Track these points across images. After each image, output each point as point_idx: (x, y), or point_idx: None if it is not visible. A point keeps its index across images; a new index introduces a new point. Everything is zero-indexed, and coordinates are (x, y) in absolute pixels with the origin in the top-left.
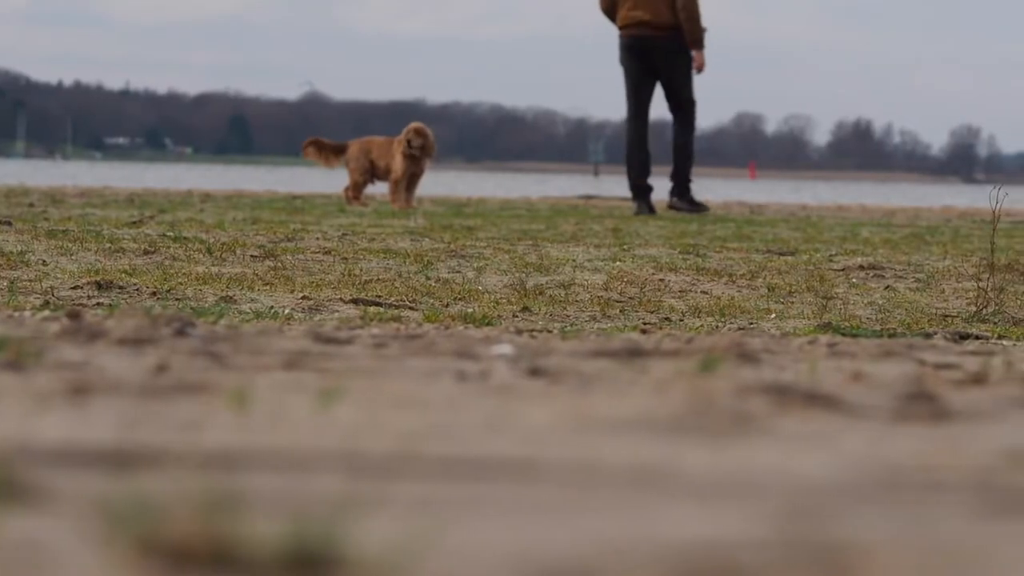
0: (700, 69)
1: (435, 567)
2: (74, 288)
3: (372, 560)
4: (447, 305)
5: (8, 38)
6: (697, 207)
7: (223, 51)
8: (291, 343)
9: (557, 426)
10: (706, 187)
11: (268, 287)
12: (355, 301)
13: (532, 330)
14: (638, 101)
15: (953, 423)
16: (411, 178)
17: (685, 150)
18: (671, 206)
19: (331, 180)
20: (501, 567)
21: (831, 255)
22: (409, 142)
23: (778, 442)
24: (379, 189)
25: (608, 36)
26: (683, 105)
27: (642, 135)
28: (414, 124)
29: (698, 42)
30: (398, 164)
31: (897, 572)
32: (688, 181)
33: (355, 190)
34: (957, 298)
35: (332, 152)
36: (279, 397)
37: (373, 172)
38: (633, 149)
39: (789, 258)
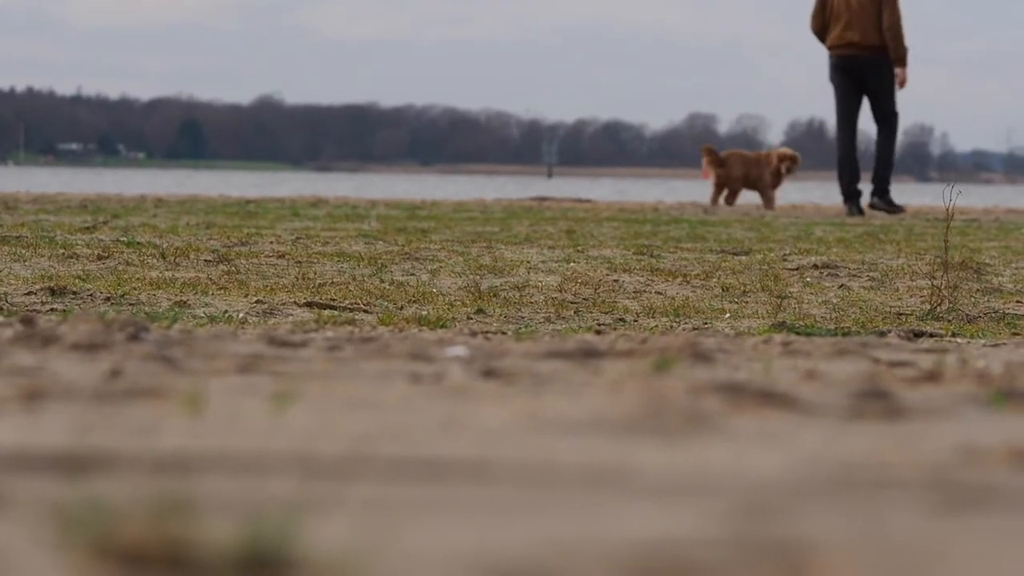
0: (903, 84)
1: (389, 568)
2: (27, 294)
3: (326, 561)
4: (401, 308)
5: None
6: (895, 208)
7: (176, 56)
8: (245, 347)
9: (511, 427)
10: (660, 188)
11: (222, 291)
12: (309, 304)
13: (486, 332)
14: (848, 115)
15: (907, 420)
16: (774, 189)
17: (887, 157)
18: (871, 205)
19: (283, 185)
20: (455, 567)
21: (785, 254)
22: (788, 168)
23: (732, 441)
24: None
25: (561, 39)
26: (887, 117)
27: (852, 146)
28: (788, 151)
29: (902, 60)
30: (767, 177)
31: (850, 569)
32: (888, 184)
33: (733, 196)
34: (911, 296)
35: (716, 163)
36: (233, 401)
37: (744, 182)
38: (844, 159)
39: (743, 258)
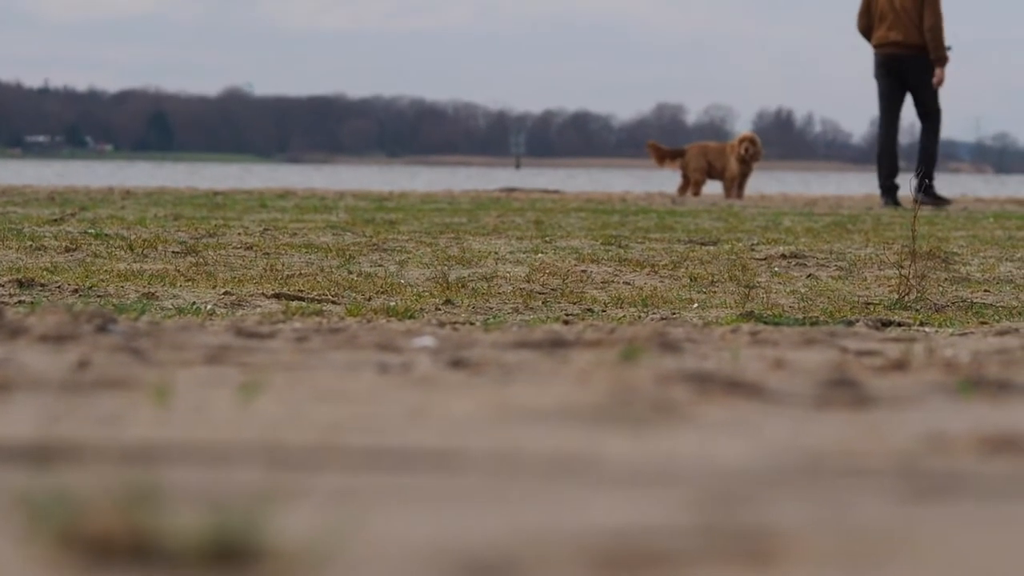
0: (939, 83)
1: (356, 557)
2: None
3: (292, 551)
4: (369, 299)
5: None
6: (940, 201)
7: (143, 48)
8: (213, 338)
9: (479, 416)
10: (628, 178)
11: (190, 283)
12: (277, 296)
13: (454, 323)
14: (890, 111)
15: (874, 409)
16: (742, 177)
17: (930, 153)
18: (918, 201)
19: (250, 177)
20: (422, 557)
21: (753, 244)
22: (746, 149)
23: (700, 430)
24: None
25: (528, 29)
26: (930, 114)
27: (893, 141)
28: (746, 133)
29: (941, 60)
30: (733, 166)
31: (817, 557)
32: (932, 179)
33: (696, 187)
34: (879, 286)
35: (669, 156)
36: (201, 391)
37: (709, 172)
38: (883, 154)
39: (711, 248)
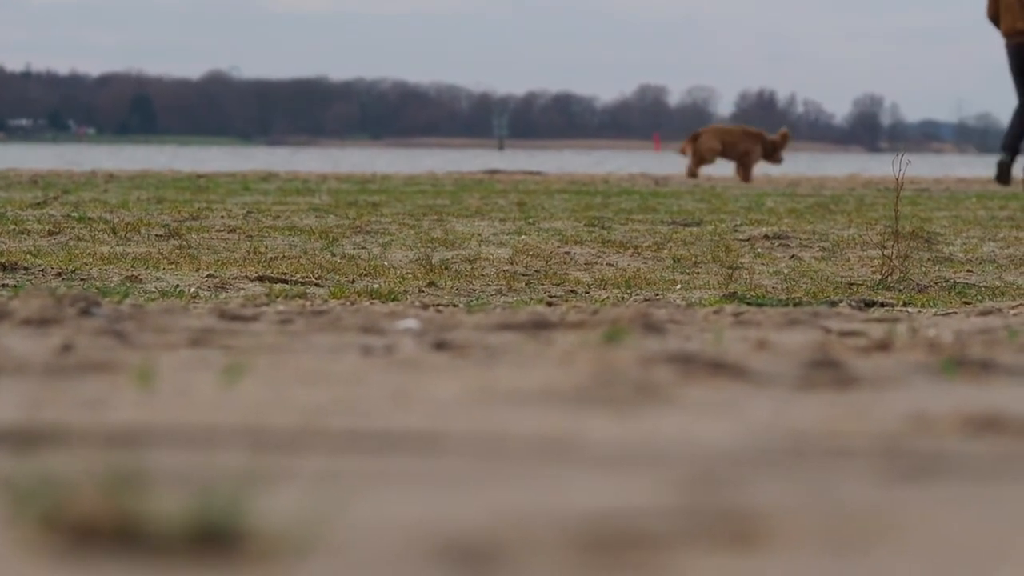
0: None
1: (340, 540)
2: None
3: (276, 534)
4: (353, 281)
5: None
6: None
7: (125, 31)
8: (196, 321)
9: (462, 399)
10: (611, 160)
11: (173, 266)
12: (260, 279)
13: (438, 305)
14: (1021, 99)
15: (858, 389)
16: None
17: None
18: (1003, 162)
19: (234, 160)
20: (406, 539)
21: (736, 225)
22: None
23: (683, 411)
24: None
25: (510, 11)
26: None
27: (1021, 128)
28: (783, 130)
29: None
30: (757, 150)
31: (801, 538)
32: (1017, 150)
33: (697, 166)
34: (862, 266)
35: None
36: (184, 374)
37: (723, 153)
38: (1010, 135)
39: (694, 229)
